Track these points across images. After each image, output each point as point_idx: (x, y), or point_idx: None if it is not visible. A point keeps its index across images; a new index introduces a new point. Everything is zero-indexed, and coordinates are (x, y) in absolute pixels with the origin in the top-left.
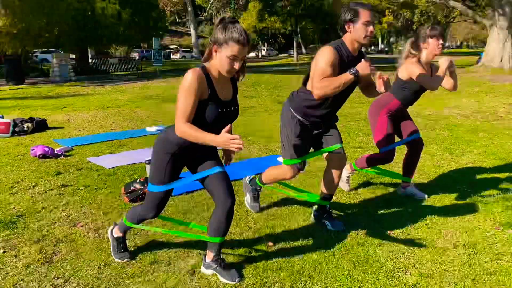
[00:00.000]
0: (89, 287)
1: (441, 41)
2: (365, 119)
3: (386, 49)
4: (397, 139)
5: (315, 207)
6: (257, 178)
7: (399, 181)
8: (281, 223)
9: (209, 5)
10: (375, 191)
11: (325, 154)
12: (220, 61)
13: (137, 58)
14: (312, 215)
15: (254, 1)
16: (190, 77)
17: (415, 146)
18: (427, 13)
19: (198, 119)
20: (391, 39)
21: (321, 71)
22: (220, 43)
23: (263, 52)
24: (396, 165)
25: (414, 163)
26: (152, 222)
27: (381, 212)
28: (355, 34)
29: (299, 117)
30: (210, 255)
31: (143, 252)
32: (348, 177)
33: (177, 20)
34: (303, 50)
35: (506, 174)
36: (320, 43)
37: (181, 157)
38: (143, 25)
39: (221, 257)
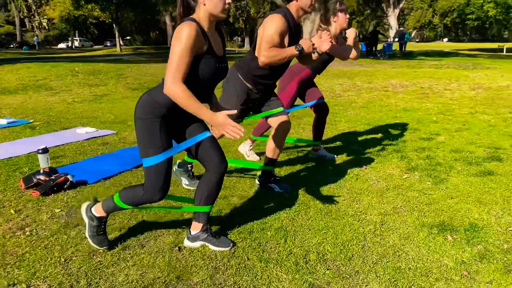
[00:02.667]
0: (66, 285)
1: (348, 15)
2: None
3: None
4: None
5: (258, 173)
6: (185, 157)
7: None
8: (231, 192)
9: None
10: (290, 155)
11: (269, 120)
12: (212, 3)
13: None
14: (257, 182)
15: None
16: (187, 31)
17: (322, 110)
18: (241, 8)
19: (190, 75)
20: None
21: (270, 39)
22: None
23: (76, 43)
24: (304, 133)
25: (321, 127)
26: None
27: (310, 172)
28: (301, 2)
29: (248, 85)
30: (197, 226)
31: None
32: (251, 149)
33: None
34: (120, 42)
35: (380, 135)
36: (137, 34)
37: (170, 121)
38: None
39: (209, 226)
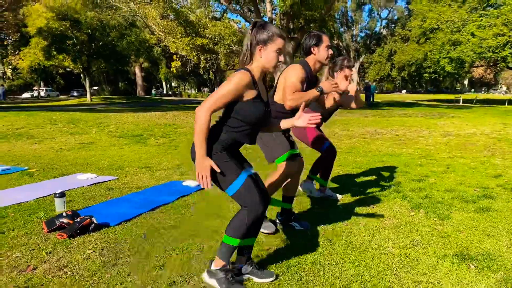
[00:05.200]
0: None
1: (352, 72)
2: None
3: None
4: None
5: (277, 213)
6: None
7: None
8: None
9: None
10: (298, 195)
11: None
12: (267, 58)
13: None
14: (277, 220)
15: (38, 37)
16: (239, 78)
17: (331, 153)
18: (212, 60)
19: (244, 118)
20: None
21: (293, 86)
22: (265, 42)
23: (42, 93)
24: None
25: (329, 169)
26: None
27: (322, 211)
28: (319, 55)
29: None
30: (242, 260)
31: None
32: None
33: None
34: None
35: (374, 177)
36: (106, 84)
37: (230, 151)
38: None
39: (252, 259)
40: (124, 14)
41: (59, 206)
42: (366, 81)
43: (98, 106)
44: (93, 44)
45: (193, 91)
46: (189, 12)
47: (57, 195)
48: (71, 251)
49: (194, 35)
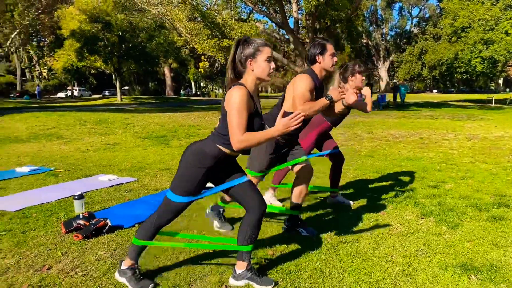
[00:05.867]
0: None
1: (364, 77)
2: None
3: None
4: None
5: (285, 218)
6: (218, 201)
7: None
8: (260, 236)
9: (9, 41)
10: (309, 202)
11: (295, 168)
12: (260, 68)
13: None
14: (284, 226)
15: (71, 39)
16: (240, 95)
17: (338, 159)
18: None
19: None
20: (202, 83)
21: (302, 96)
22: (253, 54)
23: (76, 93)
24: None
25: (338, 175)
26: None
27: (332, 216)
28: (324, 63)
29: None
30: (242, 265)
31: (153, 278)
32: (273, 196)
33: None
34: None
35: (390, 182)
36: (136, 84)
37: (212, 171)
38: None
39: (252, 265)
40: (152, 16)
41: (78, 208)
42: (394, 80)
43: (128, 106)
44: (123, 46)
45: (221, 91)
46: (215, 14)
47: (76, 197)
48: (85, 252)
49: (220, 36)
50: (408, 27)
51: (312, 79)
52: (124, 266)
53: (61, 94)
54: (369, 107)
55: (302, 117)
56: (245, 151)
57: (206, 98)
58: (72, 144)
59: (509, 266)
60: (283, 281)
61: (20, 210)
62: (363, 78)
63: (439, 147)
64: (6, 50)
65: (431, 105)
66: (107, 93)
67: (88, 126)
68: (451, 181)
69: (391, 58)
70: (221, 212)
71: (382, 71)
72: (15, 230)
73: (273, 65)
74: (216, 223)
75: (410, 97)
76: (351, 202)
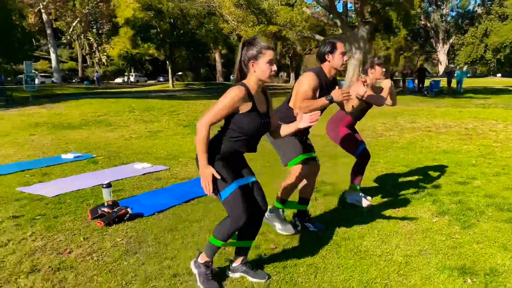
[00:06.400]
0: None
1: (384, 69)
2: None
3: None
4: None
5: (293, 213)
6: (275, 202)
7: (345, 186)
8: (269, 229)
9: (71, 28)
10: (328, 196)
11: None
12: (260, 70)
13: None
14: (293, 221)
15: (126, 27)
16: (235, 93)
17: (364, 156)
18: (288, 46)
19: (240, 129)
20: None
21: (304, 93)
22: (255, 57)
23: (132, 79)
24: (335, 175)
25: (361, 173)
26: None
27: (344, 211)
28: (333, 62)
29: None
30: (238, 260)
31: (157, 265)
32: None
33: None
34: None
35: (416, 177)
36: (189, 70)
37: (228, 160)
38: (6, 47)
39: (248, 260)
40: (200, 4)
41: (106, 196)
42: (450, 65)
43: (178, 92)
44: (174, 33)
45: None
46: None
47: (104, 185)
48: (104, 238)
49: (266, 22)
50: (471, 7)
51: (318, 77)
52: (201, 259)
53: (118, 80)
54: (388, 101)
55: (318, 117)
56: (251, 149)
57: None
58: (117, 131)
59: (510, 271)
60: (277, 275)
61: (56, 196)
62: (383, 70)
63: (483, 139)
64: (69, 37)
65: (490, 91)
66: (161, 79)
67: (136, 113)
68: (482, 177)
69: (451, 40)
70: (282, 213)
71: (441, 54)
72: (48, 214)
73: (274, 67)
74: (278, 225)
75: (470, 82)
76: (369, 199)
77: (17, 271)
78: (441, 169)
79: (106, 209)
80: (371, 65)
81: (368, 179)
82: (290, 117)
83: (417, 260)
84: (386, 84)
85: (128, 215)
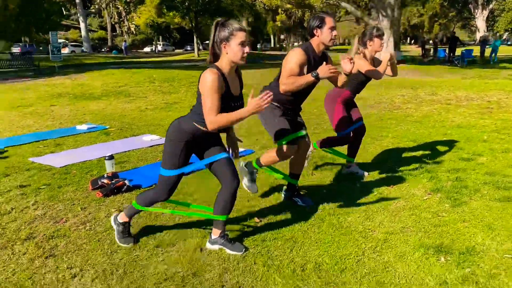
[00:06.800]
0: (108, 272)
1: (383, 40)
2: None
3: (278, 45)
4: None
5: (284, 188)
6: (253, 161)
7: (343, 161)
8: (257, 203)
9: None
10: (325, 170)
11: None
12: (232, 52)
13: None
14: (282, 195)
15: None
16: (211, 77)
17: (359, 131)
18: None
19: None
20: (281, 36)
21: (289, 70)
22: (227, 38)
23: (159, 48)
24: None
25: (357, 146)
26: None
27: (337, 187)
28: (322, 37)
29: (275, 103)
30: (216, 232)
31: (144, 237)
32: (309, 154)
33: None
34: (200, 46)
35: (421, 152)
36: None
37: (192, 145)
38: (34, 17)
39: (226, 232)
40: None
41: (109, 167)
42: (485, 33)
43: (201, 62)
44: (200, 1)
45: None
46: None
47: (106, 157)
48: (100, 208)
49: None
50: None
51: (306, 53)
52: (120, 219)
53: (147, 49)
54: (388, 72)
55: (270, 98)
56: (223, 129)
57: (282, 52)
58: (135, 102)
59: (487, 250)
60: (254, 248)
61: (64, 166)
62: (382, 42)
63: (504, 113)
64: (97, 6)
65: None
66: (189, 48)
67: (156, 84)
68: (489, 153)
69: (491, 6)
70: (254, 173)
71: (480, 20)
72: (53, 184)
73: (247, 49)
74: (245, 180)
75: (508, 51)
76: (366, 174)
77: (15, 238)
78: (449, 144)
79: (105, 181)
80: (370, 37)
81: (371, 154)
82: (279, 94)
83: (397, 237)
84: (385, 57)
85: (125, 186)
